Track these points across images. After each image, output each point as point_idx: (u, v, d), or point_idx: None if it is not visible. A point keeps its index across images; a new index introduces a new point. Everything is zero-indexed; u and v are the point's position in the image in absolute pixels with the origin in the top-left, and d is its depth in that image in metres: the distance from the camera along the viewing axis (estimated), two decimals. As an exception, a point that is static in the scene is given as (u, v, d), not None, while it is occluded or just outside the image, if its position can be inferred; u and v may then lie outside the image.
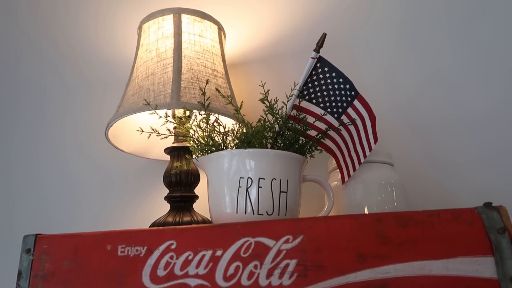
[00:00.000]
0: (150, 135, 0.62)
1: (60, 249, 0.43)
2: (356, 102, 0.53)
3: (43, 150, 0.92)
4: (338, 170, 0.58)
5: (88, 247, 0.42)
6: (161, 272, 0.39)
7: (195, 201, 0.65)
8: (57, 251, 0.43)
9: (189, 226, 0.43)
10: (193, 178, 0.64)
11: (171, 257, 0.40)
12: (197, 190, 0.66)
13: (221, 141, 0.53)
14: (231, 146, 0.52)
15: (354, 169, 0.53)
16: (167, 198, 0.63)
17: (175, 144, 0.65)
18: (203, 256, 0.39)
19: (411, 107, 0.72)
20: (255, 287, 0.37)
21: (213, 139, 0.53)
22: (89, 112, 0.91)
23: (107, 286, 0.40)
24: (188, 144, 0.63)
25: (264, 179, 0.48)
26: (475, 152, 0.68)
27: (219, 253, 0.39)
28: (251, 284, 0.37)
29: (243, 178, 0.48)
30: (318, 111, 0.55)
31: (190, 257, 0.39)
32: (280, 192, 0.48)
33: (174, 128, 0.66)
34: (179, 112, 0.65)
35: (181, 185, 0.63)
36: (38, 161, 0.92)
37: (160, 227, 0.43)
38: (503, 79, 0.69)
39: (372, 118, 0.51)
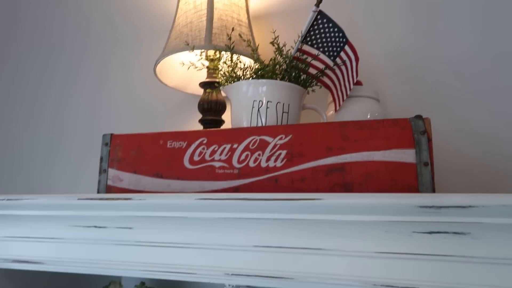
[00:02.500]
0: (189, 67, 0.79)
1: (128, 143, 0.63)
2: (346, 47, 0.68)
3: (89, 83, 1.13)
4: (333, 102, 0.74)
5: (147, 142, 0.62)
6: (196, 158, 0.58)
7: (222, 124, 0.83)
8: (126, 144, 0.63)
9: (215, 129, 0.61)
10: (221, 106, 0.82)
11: (203, 148, 0.58)
12: (223, 117, 0.84)
13: (241, 75, 0.70)
14: (248, 78, 0.70)
15: (343, 100, 0.69)
16: (200, 121, 0.82)
17: (207, 79, 0.82)
18: (224, 148, 0.57)
19: (397, 50, 0.86)
20: (258, 167, 0.55)
21: (235, 73, 0.70)
22: (137, 55, 1.10)
23: (160, 167, 0.60)
24: (217, 79, 0.81)
25: (271, 102, 0.65)
26: (456, 89, 0.81)
27: (235, 146, 0.57)
28: (256, 165, 0.55)
29: (256, 101, 0.65)
30: (316, 53, 0.70)
31: (215, 149, 0.58)
32: (283, 112, 0.65)
33: (207, 67, 0.83)
34: (211, 53, 0.82)
35: (211, 111, 0.81)
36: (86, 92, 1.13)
37: (196, 130, 0.61)
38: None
39: (356, 59, 0.66)
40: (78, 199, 0.55)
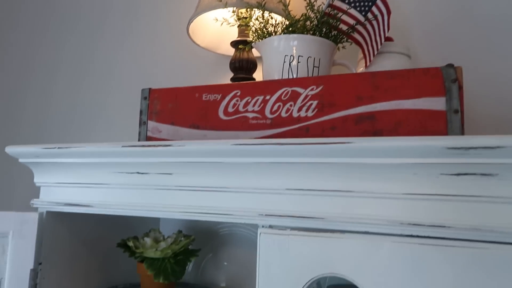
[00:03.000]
0: (222, 23, 0.81)
1: (166, 96, 0.66)
2: (378, 1, 0.67)
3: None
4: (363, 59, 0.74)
5: (184, 95, 0.65)
6: (230, 109, 0.61)
7: (253, 83, 0.85)
8: (163, 98, 0.66)
9: (248, 81, 0.63)
10: (252, 65, 0.84)
11: (237, 100, 0.61)
12: (254, 75, 0.86)
13: (272, 31, 0.71)
14: (280, 33, 0.71)
15: (374, 55, 0.69)
16: (232, 79, 0.84)
17: (238, 38, 0.84)
18: (257, 99, 0.60)
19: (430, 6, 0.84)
20: (289, 117, 0.58)
21: (267, 30, 0.71)
22: (170, 14, 1.13)
23: (196, 118, 0.63)
24: (247, 38, 0.82)
25: (302, 56, 0.66)
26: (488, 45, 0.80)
27: (267, 97, 0.59)
28: (287, 115, 0.58)
29: (287, 55, 0.67)
30: (347, 7, 0.70)
31: (249, 100, 0.60)
32: (314, 67, 0.67)
33: (239, 26, 0.85)
34: (242, 11, 0.83)
35: (242, 69, 0.83)
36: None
37: (230, 83, 0.64)
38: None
39: (388, 12, 0.66)
40: (122, 146, 0.59)
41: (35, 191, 0.70)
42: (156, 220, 0.94)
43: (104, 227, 0.81)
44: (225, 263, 0.88)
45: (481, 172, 0.44)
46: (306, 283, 0.50)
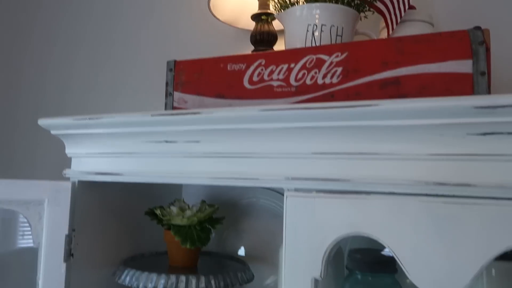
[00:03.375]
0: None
1: (191, 68, 0.68)
2: (402, -32, 0.67)
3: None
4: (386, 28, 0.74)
5: (209, 66, 0.66)
6: (255, 78, 0.62)
7: (273, 56, 0.86)
8: (189, 69, 0.68)
9: (273, 50, 0.64)
10: (272, 37, 0.84)
11: (261, 69, 0.62)
12: (275, 48, 0.87)
13: (295, 1, 0.71)
14: (302, 3, 0.71)
15: (396, 24, 0.69)
16: (253, 52, 0.85)
17: (259, 11, 0.85)
18: (282, 68, 0.61)
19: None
20: (314, 84, 0.58)
21: (289, 0, 0.72)
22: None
23: (221, 88, 0.64)
24: (268, 11, 0.83)
25: (325, 25, 0.67)
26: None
27: (292, 65, 0.60)
28: (312, 83, 0.59)
29: (310, 25, 0.67)
30: (371, -24, 0.70)
31: (273, 69, 0.61)
32: (337, 35, 0.67)
33: (259, -2, 0.85)
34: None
35: (263, 42, 0.84)
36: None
37: (254, 53, 0.65)
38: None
39: (412, -21, 0.65)
40: (152, 115, 0.61)
41: (66, 162, 0.73)
42: (179, 192, 0.96)
43: (131, 198, 0.84)
44: (245, 233, 0.90)
45: (507, 131, 0.44)
46: (332, 242, 0.51)
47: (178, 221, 0.73)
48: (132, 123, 0.64)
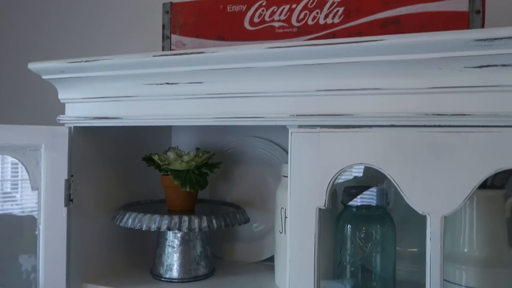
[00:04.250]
0: None
1: (189, 9, 0.67)
2: None
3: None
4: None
5: (208, 7, 0.66)
6: (256, 19, 0.63)
7: None
8: (186, 11, 0.67)
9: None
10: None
11: (262, 10, 0.63)
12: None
13: None
14: None
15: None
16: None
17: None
18: (283, 8, 0.61)
19: None
20: (316, 25, 0.60)
21: None
22: None
23: (222, 30, 0.65)
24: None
25: (322, -32, 0.67)
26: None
27: (294, 6, 0.61)
28: (314, 23, 0.60)
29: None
30: None
31: (275, 10, 0.62)
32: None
33: None
34: None
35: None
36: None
37: None
38: None
39: None
40: (154, 56, 0.61)
41: (59, 109, 0.72)
42: (169, 142, 0.97)
43: (124, 146, 0.84)
44: (237, 182, 0.92)
45: (502, 63, 0.48)
46: (336, 174, 0.55)
47: (177, 165, 0.74)
48: (132, 65, 0.63)
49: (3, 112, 1.28)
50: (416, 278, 0.74)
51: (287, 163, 0.73)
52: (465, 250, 0.62)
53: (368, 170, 0.76)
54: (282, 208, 0.71)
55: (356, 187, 0.69)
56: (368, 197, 0.66)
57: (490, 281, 0.60)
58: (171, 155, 0.76)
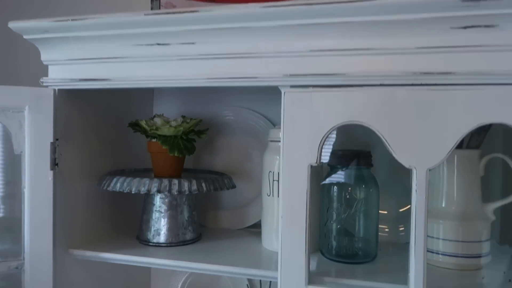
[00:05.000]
0: None
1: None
2: None
3: None
4: None
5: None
6: (248, -19, 0.63)
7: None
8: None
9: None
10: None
11: (255, -28, 0.63)
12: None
13: None
14: None
15: None
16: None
17: None
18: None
19: None
20: (308, -13, 0.61)
21: None
22: None
23: (213, -8, 0.64)
24: None
25: None
26: None
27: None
28: (306, -14, 0.61)
29: None
30: None
31: (267, -28, 0.62)
32: None
33: None
34: None
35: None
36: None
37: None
38: None
39: None
40: (145, 14, 0.60)
41: (40, 70, 0.70)
42: (150, 110, 0.96)
43: (108, 114, 0.82)
44: (220, 152, 0.93)
45: (485, 23, 0.51)
46: (327, 131, 0.57)
47: (165, 130, 0.74)
48: (122, 24, 0.62)
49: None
50: (392, 238, 0.79)
51: (275, 128, 0.75)
52: (443, 206, 0.66)
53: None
54: (270, 171, 0.73)
55: (343, 150, 0.71)
56: (355, 157, 0.69)
57: (466, 232, 0.64)
58: (158, 121, 0.76)
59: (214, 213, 0.92)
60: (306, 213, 0.58)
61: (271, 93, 0.88)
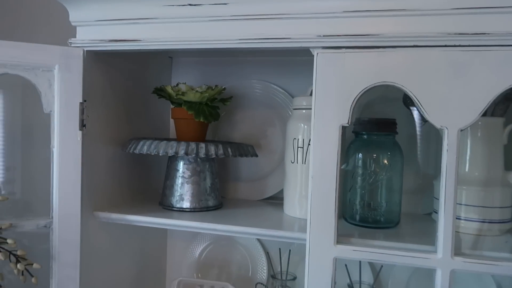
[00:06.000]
0: None
1: None
2: None
3: None
4: None
5: None
6: None
7: None
8: None
9: None
10: None
11: None
12: None
13: None
14: None
15: None
16: None
17: None
18: None
19: None
20: (341, -50, 0.61)
21: None
22: None
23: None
24: None
25: None
26: None
27: None
28: (339, -51, 0.61)
29: None
30: None
31: None
32: None
33: None
34: None
35: None
36: None
37: None
38: None
39: None
40: (180, -28, 0.60)
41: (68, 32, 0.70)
42: (168, 81, 0.96)
43: (130, 81, 0.83)
44: (240, 124, 0.93)
45: (521, -16, 0.52)
46: (359, 92, 0.58)
47: (191, 96, 0.75)
48: (154, -17, 0.62)
49: (10, 32, 1.17)
50: (411, 210, 0.80)
51: (299, 96, 0.76)
52: (466, 171, 0.67)
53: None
54: (294, 138, 0.74)
55: (368, 117, 0.72)
56: (379, 124, 0.70)
57: (488, 198, 0.66)
58: (183, 87, 0.76)
59: (233, 185, 0.92)
60: (336, 172, 0.58)
61: (291, 66, 0.89)
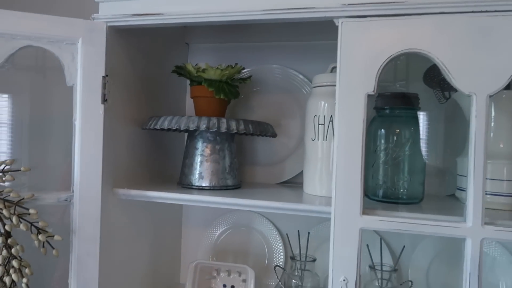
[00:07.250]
0: None
1: None
2: None
3: None
4: None
5: None
6: None
7: None
8: None
9: None
10: None
11: None
12: None
13: None
14: None
15: None
16: None
17: None
18: None
19: None
20: None
21: None
22: None
23: None
24: None
25: None
26: None
27: None
28: None
29: None
30: None
31: None
32: None
33: None
34: None
35: None
36: None
37: None
38: None
39: None
40: None
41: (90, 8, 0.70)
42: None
43: (149, 60, 0.83)
44: (256, 108, 0.93)
45: None
46: (385, 60, 0.57)
47: (211, 73, 0.75)
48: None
49: (32, 7, 1.17)
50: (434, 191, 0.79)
51: (319, 74, 0.75)
52: (491, 145, 0.67)
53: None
54: (315, 116, 0.73)
55: (389, 92, 0.72)
56: (402, 98, 0.69)
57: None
58: (203, 65, 0.76)
59: (250, 168, 0.92)
60: (362, 142, 0.58)
61: (310, 50, 0.89)
